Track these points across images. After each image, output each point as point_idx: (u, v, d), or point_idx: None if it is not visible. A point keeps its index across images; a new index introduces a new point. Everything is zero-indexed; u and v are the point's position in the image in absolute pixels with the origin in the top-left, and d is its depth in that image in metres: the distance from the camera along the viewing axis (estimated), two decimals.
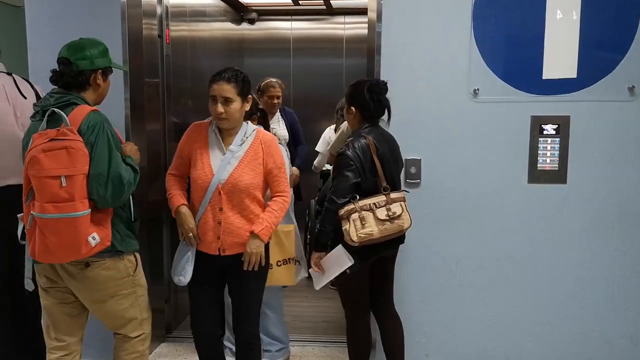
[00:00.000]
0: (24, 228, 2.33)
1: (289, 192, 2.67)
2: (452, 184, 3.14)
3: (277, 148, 2.63)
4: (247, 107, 2.59)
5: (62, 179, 2.10)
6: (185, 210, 2.55)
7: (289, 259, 3.10)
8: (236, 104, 2.49)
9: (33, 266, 2.39)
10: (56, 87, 2.36)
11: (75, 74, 2.30)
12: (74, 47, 2.34)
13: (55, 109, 2.21)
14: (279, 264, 3.05)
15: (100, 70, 2.37)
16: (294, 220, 3.24)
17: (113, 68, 2.48)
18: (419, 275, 3.21)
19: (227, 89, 2.47)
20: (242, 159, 2.54)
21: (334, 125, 4.45)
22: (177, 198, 2.59)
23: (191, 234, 2.52)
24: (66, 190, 2.10)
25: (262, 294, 2.73)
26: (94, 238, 2.18)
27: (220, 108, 2.47)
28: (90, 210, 2.16)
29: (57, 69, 2.34)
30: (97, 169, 2.17)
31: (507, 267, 3.17)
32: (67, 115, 2.20)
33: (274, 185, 2.60)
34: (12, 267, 2.76)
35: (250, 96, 2.58)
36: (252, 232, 2.52)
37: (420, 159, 3.11)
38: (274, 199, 2.61)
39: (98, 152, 2.18)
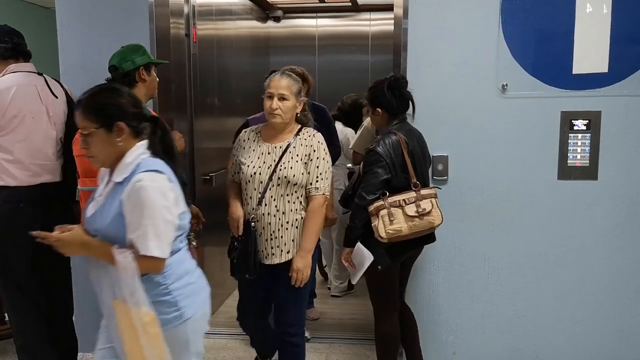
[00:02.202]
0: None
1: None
2: (480, 181, 3.11)
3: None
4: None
5: None
6: None
7: None
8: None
9: None
10: None
11: (122, 76, 2.66)
12: (118, 55, 2.72)
13: None
14: None
15: (142, 67, 2.69)
16: (150, 303, 1.83)
17: (155, 63, 2.81)
18: (446, 272, 3.19)
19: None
20: None
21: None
22: None
23: None
24: None
25: None
26: None
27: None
28: None
29: (110, 77, 2.70)
30: None
31: (537, 264, 3.13)
32: None
33: None
34: (46, 265, 2.82)
35: None
36: None
37: (447, 156, 3.08)
38: None
39: None
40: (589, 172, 3.04)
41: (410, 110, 2.82)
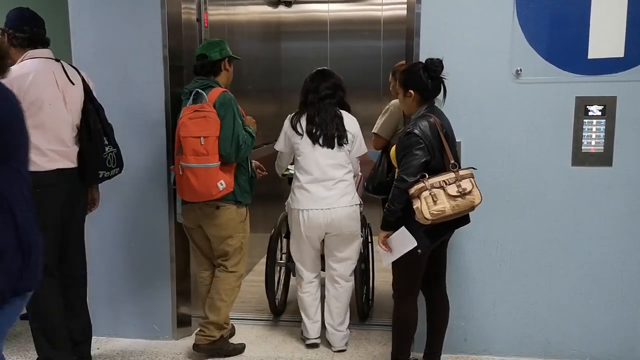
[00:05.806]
0: (174, 176, 3.12)
1: None
2: (493, 167, 3.09)
3: None
4: None
5: (201, 139, 2.88)
6: None
7: None
8: None
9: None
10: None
11: (212, 64, 3.10)
12: (207, 46, 3.14)
13: (199, 90, 2.99)
14: None
15: (226, 58, 3.14)
16: None
17: (234, 58, 3.20)
18: (458, 259, 3.18)
19: None
20: None
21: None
22: None
23: None
24: (204, 147, 2.89)
25: None
26: (221, 184, 2.93)
27: None
28: (219, 163, 2.93)
29: (198, 63, 3.12)
30: (225, 133, 2.94)
31: (549, 251, 3.12)
32: (206, 95, 2.97)
33: None
34: (61, 246, 2.84)
35: None
36: None
37: (460, 142, 3.06)
38: None
39: (226, 121, 2.95)
40: (604, 158, 3.01)
41: (440, 96, 2.78)
